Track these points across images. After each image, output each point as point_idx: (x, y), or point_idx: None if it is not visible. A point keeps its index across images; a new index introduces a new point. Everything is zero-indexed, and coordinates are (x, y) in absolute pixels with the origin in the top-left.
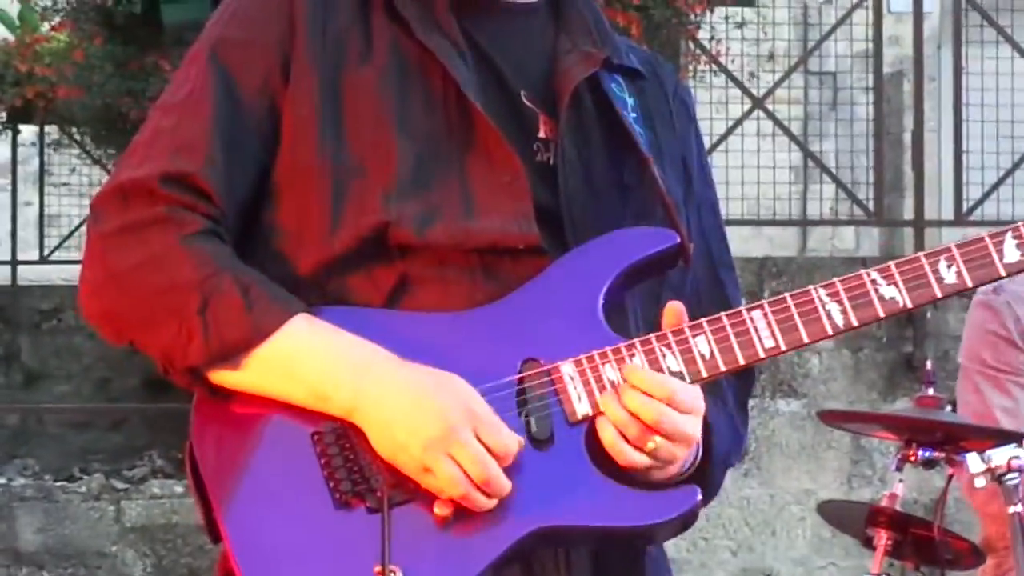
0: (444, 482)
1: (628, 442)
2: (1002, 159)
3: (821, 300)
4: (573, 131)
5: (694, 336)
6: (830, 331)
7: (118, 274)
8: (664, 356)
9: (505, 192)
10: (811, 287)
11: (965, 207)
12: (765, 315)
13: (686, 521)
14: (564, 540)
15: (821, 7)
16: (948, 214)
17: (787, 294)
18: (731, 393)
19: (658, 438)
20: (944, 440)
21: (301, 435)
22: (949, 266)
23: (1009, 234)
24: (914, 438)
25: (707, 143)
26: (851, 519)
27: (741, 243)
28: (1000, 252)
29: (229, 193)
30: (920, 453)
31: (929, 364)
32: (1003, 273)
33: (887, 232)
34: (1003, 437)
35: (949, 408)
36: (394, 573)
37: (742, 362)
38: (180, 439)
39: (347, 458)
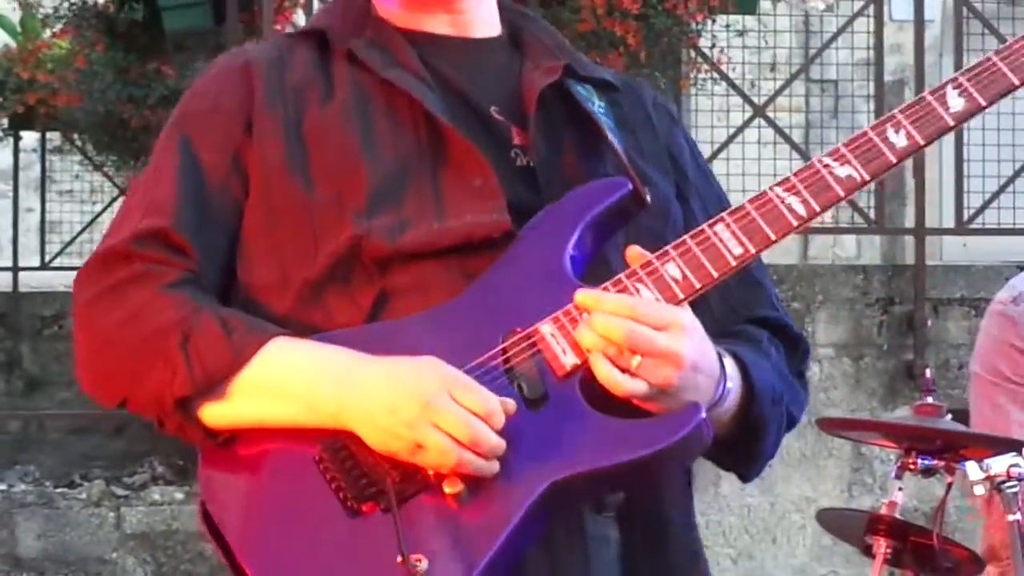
0: (436, 453)
1: (616, 366)
2: (1003, 168)
3: (779, 196)
4: (545, 131)
5: (663, 264)
6: (795, 223)
7: (104, 336)
8: (638, 291)
9: (476, 194)
10: (766, 188)
11: (966, 215)
12: (727, 225)
13: (697, 441)
14: (582, 490)
15: (822, 15)
16: (949, 222)
17: (745, 200)
18: (775, 352)
19: (638, 356)
20: (943, 448)
21: (305, 463)
22: (897, 131)
23: (949, 85)
24: (913, 446)
25: (708, 151)
26: (850, 527)
27: None
28: (944, 104)
29: (204, 247)
30: (919, 461)
31: (928, 373)
32: (951, 123)
33: (888, 240)
34: (1002, 445)
35: (949, 416)
36: (419, 562)
37: (715, 275)
38: (180, 446)
39: (350, 468)
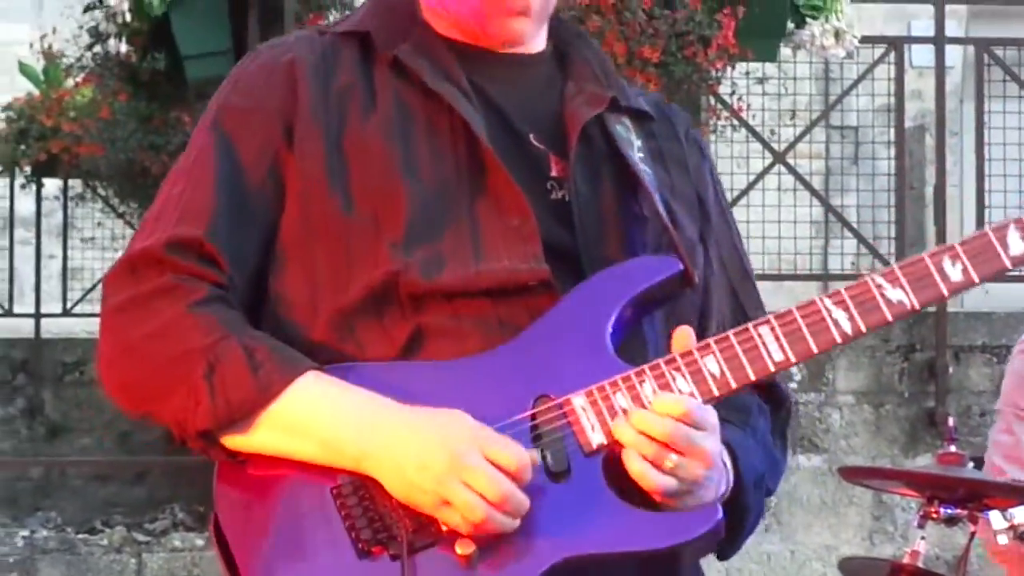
0: (463, 508)
1: (650, 463)
2: None
3: (828, 309)
4: (584, 168)
5: (703, 357)
6: (839, 339)
7: (130, 346)
8: (674, 379)
9: (514, 235)
10: (816, 297)
11: None
12: (772, 329)
13: (710, 541)
14: (590, 568)
15: (842, 62)
16: None
17: (793, 307)
18: (763, 421)
19: (674, 456)
20: (967, 497)
21: (321, 492)
22: (954, 263)
23: (1012, 226)
24: (936, 495)
25: (728, 198)
26: None
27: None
28: (1004, 244)
29: (236, 258)
30: (942, 510)
31: (951, 421)
32: (1009, 265)
33: None
34: None
35: (972, 465)
36: None
37: (753, 377)
38: (202, 493)
39: (366, 508)
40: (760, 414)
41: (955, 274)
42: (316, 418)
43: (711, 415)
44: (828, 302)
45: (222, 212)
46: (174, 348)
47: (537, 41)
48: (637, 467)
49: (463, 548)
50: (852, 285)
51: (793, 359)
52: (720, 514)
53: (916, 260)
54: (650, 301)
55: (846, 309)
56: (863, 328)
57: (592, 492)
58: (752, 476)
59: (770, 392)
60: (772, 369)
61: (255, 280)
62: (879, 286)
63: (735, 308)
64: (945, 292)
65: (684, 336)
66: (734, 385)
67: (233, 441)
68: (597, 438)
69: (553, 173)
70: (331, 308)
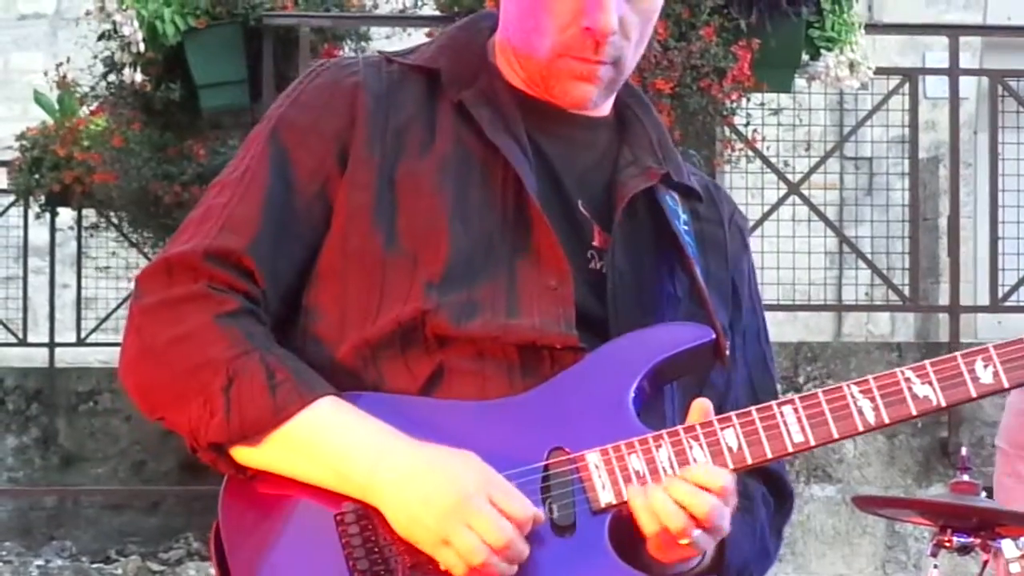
0: (463, 549)
1: (670, 534)
2: None
3: (853, 397)
4: (625, 241)
5: (722, 429)
6: (861, 428)
7: (153, 348)
8: (691, 448)
9: (550, 297)
10: (844, 384)
11: (1001, 293)
12: (796, 410)
13: None
14: None
15: (857, 94)
16: (984, 300)
17: (819, 390)
18: (764, 512)
19: (698, 531)
20: (979, 526)
21: (324, 517)
22: (986, 366)
23: None
24: (949, 524)
25: None
26: None
27: (776, 328)
28: None
29: (273, 274)
30: (955, 539)
31: (964, 451)
32: None
33: (922, 318)
34: None
35: (984, 494)
36: None
37: (770, 455)
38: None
39: (367, 539)
40: (763, 505)
41: (986, 377)
42: (328, 444)
43: (733, 488)
44: (855, 389)
45: (266, 228)
46: (196, 356)
47: (603, 107)
48: (653, 529)
49: None
50: (881, 375)
51: (812, 443)
52: None
53: (949, 359)
54: (677, 369)
55: (872, 399)
56: (886, 420)
57: (594, 551)
58: (738, 562)
59: (777, 485)
60: (790, 450)
61: (288, 298)
62: (908, 380)
63: (751, 401)
64: (974, 394)
65: (701, 407)
66: (750, 461)
67: (244, 455)
68: (606, 497)
69: (595, 243)
70: (357, 336)
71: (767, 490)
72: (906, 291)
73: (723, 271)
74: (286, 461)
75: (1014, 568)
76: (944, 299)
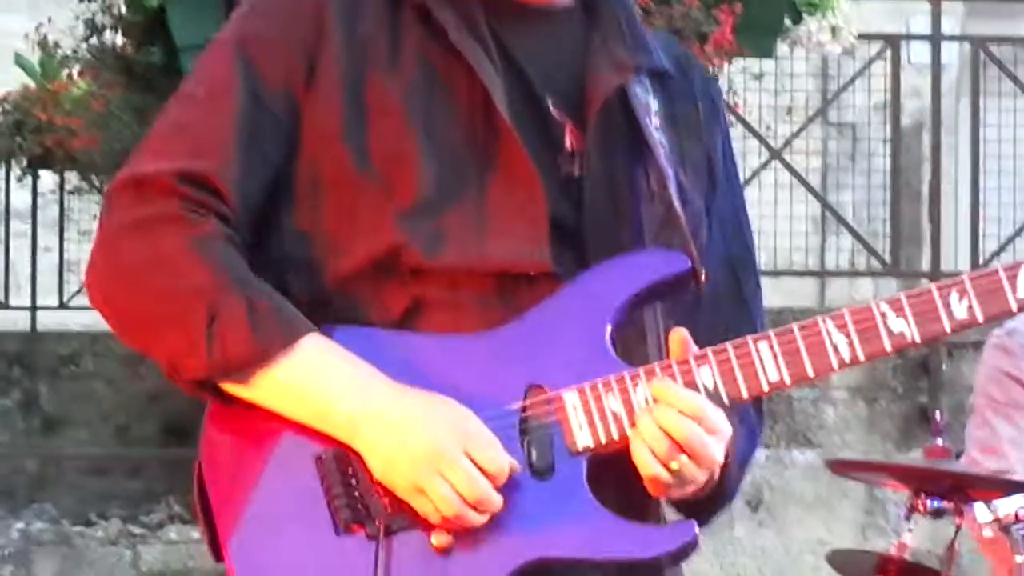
0: (436, 500)
1: (656, 458)
2: (1019, 211)
3: (828, 332)
4: (600, 144)
5: (699, 367)
6: (836, 365)
7: (126, 270)
8: None
9: (521, 214)
10: (819, 317)
11: (982, 259)
12: (771, 347)
13: (687, 552)
14: (561, 569)
15: (840, 59)
16: (964, 266)
17: (795, 324)
18: (752, 404)
19: (684, 457)
20: (952, 490)
21: (306, 458)
22: (960, 299)
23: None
24: (923, 488)
25: None
26: (862, 569)
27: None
28: (1014, 286)
29: (243, 195)
30: (929, 503)
31: (938, 416)
32: (1014, 309)
33: (904, 283)
34: (1011, 487)
35: (962, 460)
36: None
37: (745, 396)
38: None
39: (348, 484)
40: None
41: (960, 311)
42: (311, 386)
43: (723, 421)
44: (830, 324)
45: (237, 148)
46: (173, 284)
47: None
48: (644, 459)
49: (438, 539)
50: (857, 309)
51: (788, 381)
52: (696, 530)
53: (924, 291)
54: (653, 295)
55: (847, 335)
56: (861, 357)
57: (572, 494)
58: (739, 463)
59: None
60: (766, 390)
61: (257, 215)
62: (883, 314)
63: (730, 275)
64: (948, 328)
65: (680, 342)
66: (726, 401)
67: (227, 386)
68: (584, 440)
69: (567, 146)
70: (333, 267)
71: None
72: (888, 257)
73: (698, 149)
74: (269, 399)
75: (986, 532)
76: (926, 265)
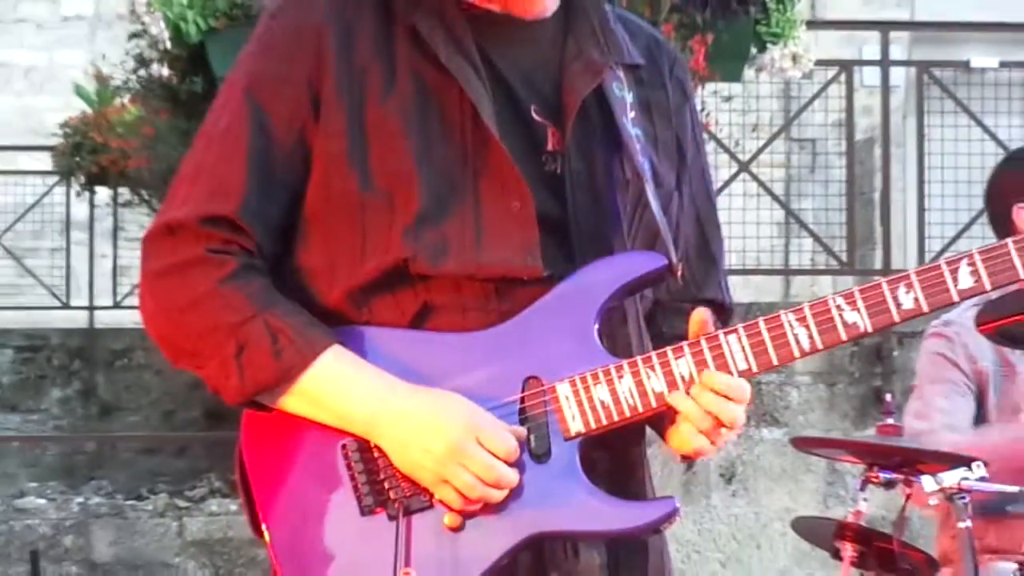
0: (462, 488)
1: (701, 433)
2: (960, 215)
3: (790, 324)
4: (578, 143)
5: (676, 359)
6: (797, 354)
7: (167, 311)
8: (648, 377)
9: (514, 220)
10: (782, 312)
11: (927, 257)
12: (739, 339)
13: (667, 523)
14: (558, 541)
15: (800, 82)
16: (913, 263)
17: (760, 318)
18: None
19: (724, 430)
20: (902, 464)
21: (332, 445)
22: (907, 291)
23: (964, 261)
24: (876, 462)
25: None
26: (822, 534)
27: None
28: (955, 279)
29: (263, 224)
30: (881, 475)
31: (889, 397)
32: (956, 299)
33: (860, 280)
34: (954, 461)
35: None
36: (408, 575)
37: None
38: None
39: (370, 469)
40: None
41: (907, 302)
42: (331, 395)
43: (748, 394)
44: (792, 317)
45: (252, 185)
46: (207, 322)
47: (545, 2)
48: (687, 432)
49: (451, 519)
50: (815, 303)
51: (755, 369)
52: (676, 504)
53: (874, 286)
54: (635, 290)
55: (807, 327)
56: (820, 346)
57: (567, 475)
58: None
59: (727, 315)
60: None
61: (282, 237)
62: (839, 307)
63: (699, 234)
64: (897, 319)
65: (699, 323)
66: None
67: (262, 400)
68: (576, 426)
69: (549, 146)
70: (346, 282)
71: (716, 320)
72: (844, 257)
73: (668, 130)
74: (297, 406)
75: (932, 501)
76: (878, 264)
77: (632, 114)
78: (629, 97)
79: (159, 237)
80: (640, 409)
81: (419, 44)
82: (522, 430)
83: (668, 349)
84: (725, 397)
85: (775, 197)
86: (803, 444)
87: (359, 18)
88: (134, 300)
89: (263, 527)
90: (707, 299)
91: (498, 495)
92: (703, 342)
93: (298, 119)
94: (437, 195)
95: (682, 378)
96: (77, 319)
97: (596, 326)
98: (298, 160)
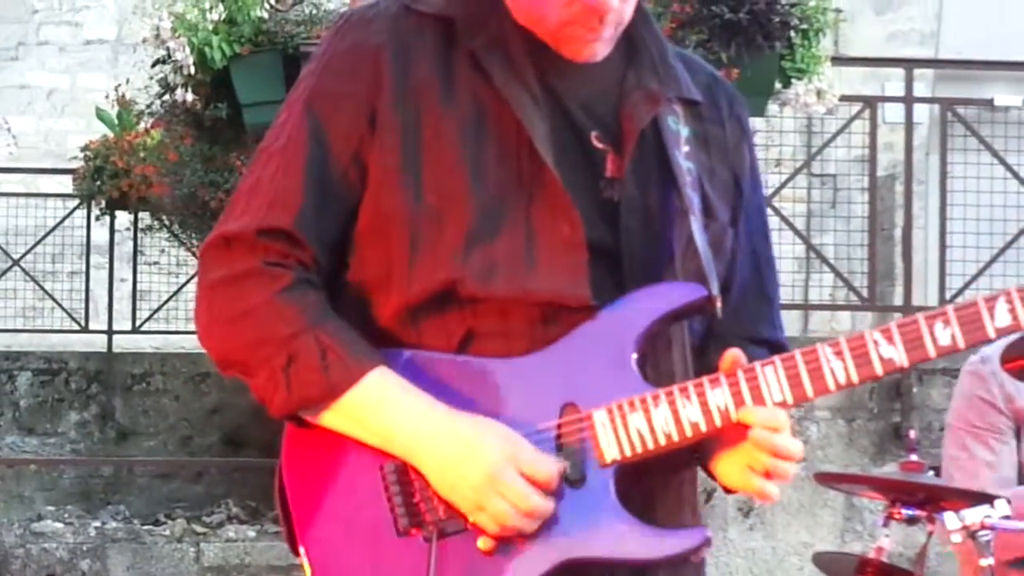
0: (497, 515)
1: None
2: (981, 253)
3: (827, 358)
4: (636, 172)
5: (712, 388)
6: (832, 387)
7: (222, 321)
8: (684, 407)
9: (564, 246)
10: (818, 344)
11: (948, 295)
12: (776, 371)
13: (698, 552)
14: (595, 568)
15: (823, 118)
16: (933, 301)
17: (797, 351)
18: None
19: (782, 464)
20: (925, 500)
21: (371, 467)
22: (945, 327)
23: (1002, 299)
24: (899, 498)
25: None
26: (843, 569)
27: None
28: (992, 315)
29: (319, 238)
30: (904, 511)
31: (913, 434)
32: (992, 336)
33: (879, 316)
34: (977, 498)
35: (931, 472)
36: None
37: None
38: (253, 490)
39: (407, 492)
40: None
41: (944, 338)
42: (374, 416)
43: (784, 420)
44: (829, 351)
45: (309, 198)
46: (259, 333)
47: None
48: (759, 486)
49: (484, 543)
50: (852, 337)
51: (790, 401)
52: (707, 533)
53: (912, 320)
54: (674, 320)
55: (843, 360)
56: (855, 380)
57: (600, 502)
58: None
59: (776, 349)
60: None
61: (337, 250)
62: (876, 342)
63: (755, 272)
64: (933, 354)
65: (731, 359)
66: (734, 420)
67: (307, 416)
68: (612, 453)
69: (607, 173)
70: (397, 300)
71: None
72: (865, 292)
73: (725, 167)
74: (340, 424)
75: (955, 538)
76: (899, 300)
77: (686, 148)
78: (684, 132)
79: (216, 248)
80: (675, 438)
81: (478, 68)
82: (563, 463)
83: (705, 379)
84: (771, 430)
85: (796, 231)
86: (826, 479)
87: (419, 41)
88: (153, 325)
89: (300, 545)
90: (761, 338)
91: (532, 526)
92: (740, 373)
93: (355, 135)
94: (489, 215)
95: (718, 408)
96: (96, 343)
97: (635, 355)
98: (354, 176)
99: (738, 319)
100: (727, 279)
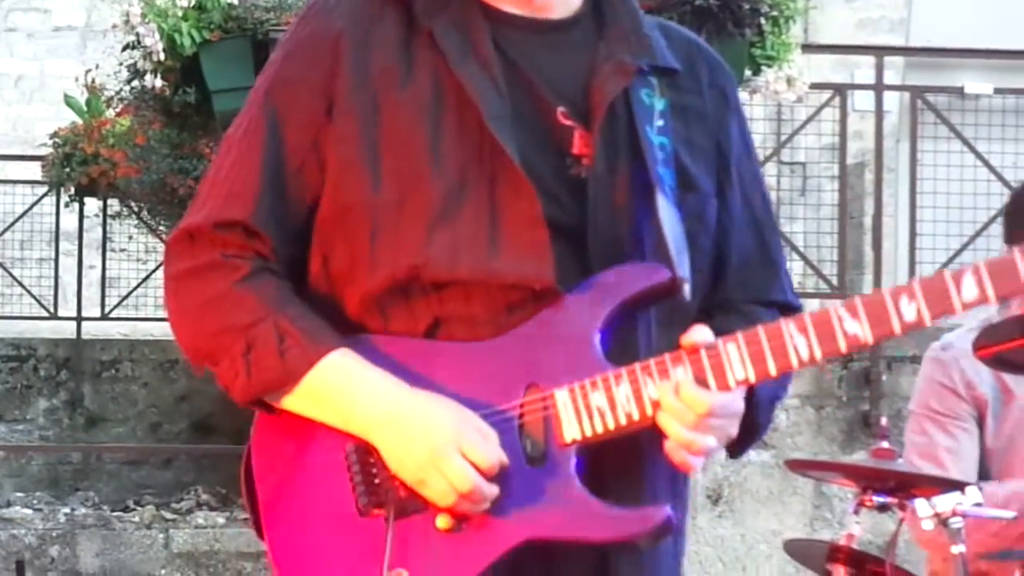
0: (437, 493)
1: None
2: (951, 241)
3: (790, 334)
4: (606, 148)
5: (674, 366)
6: (795, 364)
7: (186, 312)
8: (646, 384)
9: (525, 224)
10: (782, 320)
11: None
12: (739, 348)
13: (659, 533)
14: (552, 546)
15: (793, 106)
16: None
17: (760, 327)
18: None
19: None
20: (896, 488)
21: (336, 450)
22: (910, 302)
23: (968, 272)
24: (870, 485)
25: None
26: (813, 556)
27: None
28: (959, 289)
29: (278, 228)
30: (875, 499)
31: (884, 421)
32: (959, 310)
33: None
34: (948, 485)
35: (901, 460)
36: (399, 575)
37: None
38: (222, 476)
39: (368, 472)
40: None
41: (909, 313)
42: (333, 396)
43: (735, 404)
44: (793, 327)
45: (267, 191)
46: (220, 322)
47: (569, 3)
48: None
49: (442, 522)
50: (817, 313)
51: (753, 379)
52: (668, 512)
53: (878, 295)
54: (639, 302)
55: (807, 337)
56: (818, 357)
57: (563, 481)
58: (770, 397)
59: (788, 310)
60: (732, 387)
61: (298, 239)
62: (840, 318)
63: (758, 237)
64: (898, 331)
65: (697, 334)
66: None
67: (270, 400)
68: (572, 432)
69: (574, 150)
70: (363, 290)
71: (781, 315)
72: (835, 280)
73: (705, 138)
74: (302, 409)
75: (926, 525)
76: (868, 288)
77: (660, 122)
78: (659, 104)
79: (180, 242)
80: (635, 416)
81: (436, 49)
82: (506, 461)
83: (667, 356)
84: (676, 418)
85: None
86: (797, 466)
87: (380, 25)
88: (122, 311)
89: (264, 529)
90: (771, 300)
91: (472, 507)
92: (702, 350)
93: (313, 124)
94: (450, 198)
95: (679, 385)
96: (64, 330)
97: (598, 335)
98: (313, 166)
99: (744, 287)
100: (722, 250)
